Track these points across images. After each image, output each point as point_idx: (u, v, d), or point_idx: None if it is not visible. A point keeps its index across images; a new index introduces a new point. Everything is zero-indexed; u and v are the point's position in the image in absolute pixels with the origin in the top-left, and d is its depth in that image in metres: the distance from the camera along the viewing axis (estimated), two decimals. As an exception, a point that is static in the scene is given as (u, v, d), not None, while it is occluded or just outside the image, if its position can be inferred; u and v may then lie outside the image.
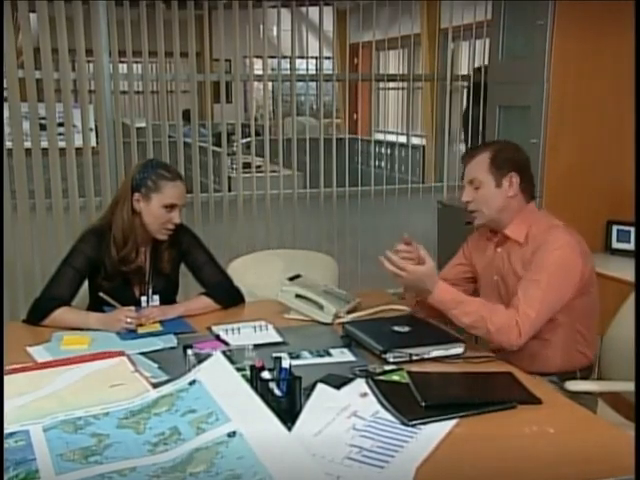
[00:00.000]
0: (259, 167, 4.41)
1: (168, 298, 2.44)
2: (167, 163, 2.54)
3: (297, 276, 2.50)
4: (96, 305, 2.32)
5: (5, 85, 3.47)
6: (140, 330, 2.16)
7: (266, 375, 1.63)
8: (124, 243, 2.32)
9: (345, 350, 2.03)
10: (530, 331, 1.97)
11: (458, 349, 1.97)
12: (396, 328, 2.08)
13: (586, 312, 2.15)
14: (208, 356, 1.77)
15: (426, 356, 1.93)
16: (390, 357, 1.91)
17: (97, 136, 3.80)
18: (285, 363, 1.63)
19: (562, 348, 2.14)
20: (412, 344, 1.95)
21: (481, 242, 2.29)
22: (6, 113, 3.50)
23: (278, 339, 2.13)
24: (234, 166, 4.71)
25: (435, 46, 4.78)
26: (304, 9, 4.32)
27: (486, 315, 1.97)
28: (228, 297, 2.44)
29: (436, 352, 1.95)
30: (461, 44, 4.80)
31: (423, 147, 6.04)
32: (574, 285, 2.04)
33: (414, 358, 1.92)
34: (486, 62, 3.77)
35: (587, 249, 2.10)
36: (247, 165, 4.36)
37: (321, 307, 2.31)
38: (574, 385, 2.03)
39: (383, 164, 5.87)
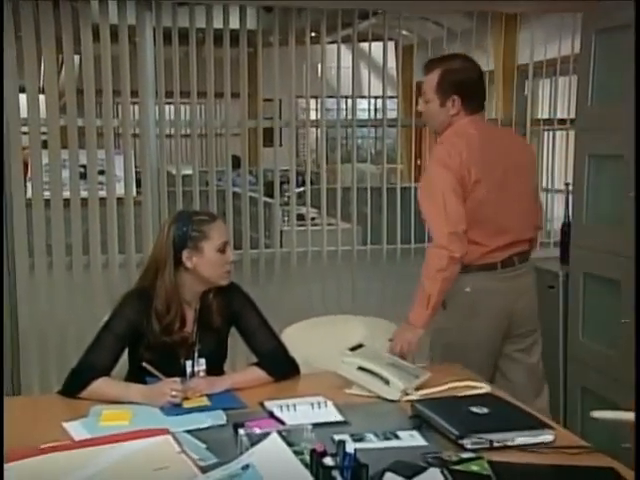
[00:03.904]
0: (314, 219, 4.46)
1: (216, 364, 2.47)
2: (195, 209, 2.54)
3: (359, 346, 2.49)
4: (136, 374, 2.36)
5: (45, 130, 3.63)
6: (186, 404, 2.18)
7: (328, 461, 1.62)
8: (167, 311, 2.37)
9: (415, 433, 2.00)
10: (449, 239, 2.62)
11: (547, 436, 1.93)
12: (474, 409, 2.05)
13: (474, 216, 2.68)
14: (263, 437, 1.77)
15: (509, 443, 1.89)
16: (468, 443, 1.88)
17: (139, 185, 3.90)
18: (350, 448, 1.63)
19: None
20: (493, 428, 1.92)
21: None
22: (45, 160, 3.65)
23: (339, 418, 2.12)
24: (285, 218, 4.77)
25: (512, 85, 4.81)
26: (366, 45, 4.41)
27: (423, 279, 2.68)
28: (282, 368, 2.45)
29: (521, 439, 1.91)
30: (544, 82, 4.81)
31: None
32: (448, 190, 2.64)
33: (495, 445, 1.88)
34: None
35: (462, 158, 2.66)
36: (301, 217, 4.41)
37: (387, 382, 2.30)
38: None
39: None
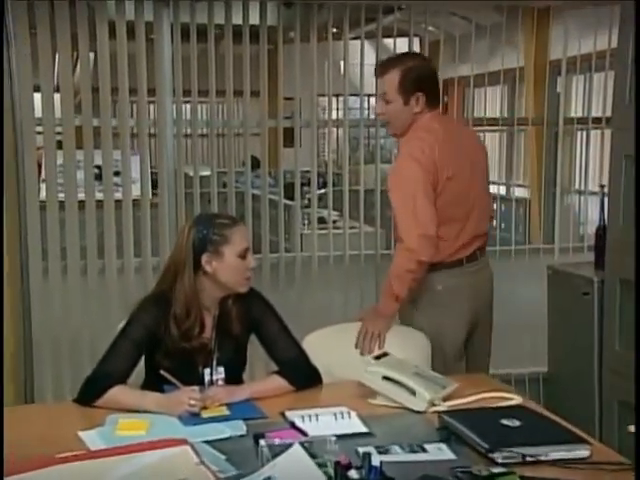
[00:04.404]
0: (335, 222, 4.45)
1: (234, 372, 2.48)
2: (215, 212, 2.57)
3: (384, 354, 2.50)
4: (153, 382, 2.38)
5: (59, 130, 3.66)
6: (204, 414, 2.19)
7: (353, 474, 1.63)
8: (187, 316, 2.38)
9: (443, 446, 2.00)
10: (419, 242, 2.70)
11: (583, 452, 1.91)
12: (505, 421, 2.04)
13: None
14: (284, 448, 1.78)
15: (543, 458, 1.88)
16: (498, 457, 1.87)
17: (155, 186, 3.92)
18: (375, 461, 1.63)
19: None
20: (525, 442, 1.91)
21: None
22: (59, 161, 3.68)
23: (363, 429, 2.12)
24: (306, 221, 4.77)
25: (544, 82, 4.78)
26: (390, 41, 4.39)
27: (391, 276, 2.80)
28: (304, 377, 2.45)
29: (555, 454, 1.89)
30: (578, 78, 4.77)
31: (527, 200, 5.97)
32: (422, 184, 2.72)
33: (528, 460, 1.87)
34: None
35: (434, 154, 2.75)
36: (322, 220, 4.40)
37: (413, 392, 2.29)
38: None
39: (481, 219, 5.80)
